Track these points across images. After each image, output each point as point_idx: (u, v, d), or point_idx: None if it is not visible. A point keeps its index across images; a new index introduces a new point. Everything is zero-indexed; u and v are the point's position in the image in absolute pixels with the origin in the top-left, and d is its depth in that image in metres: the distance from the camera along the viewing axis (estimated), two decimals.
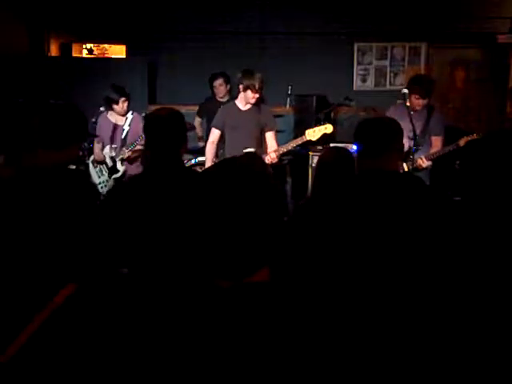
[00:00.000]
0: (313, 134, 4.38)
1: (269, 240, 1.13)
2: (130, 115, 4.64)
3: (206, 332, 1.07)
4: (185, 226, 1.14)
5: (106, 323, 1.47)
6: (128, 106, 4.62)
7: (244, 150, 4.36)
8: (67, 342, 1.57)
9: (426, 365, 1.78)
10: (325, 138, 4.57)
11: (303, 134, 4.43)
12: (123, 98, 4.55)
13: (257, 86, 4.23)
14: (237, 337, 1.06)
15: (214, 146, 4.50)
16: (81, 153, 4.50)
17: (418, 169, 4.01)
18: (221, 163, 1.20)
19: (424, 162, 4.01)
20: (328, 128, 4.37)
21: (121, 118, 4.64)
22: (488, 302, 1.81)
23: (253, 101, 4.31)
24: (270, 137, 4.45)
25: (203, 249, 1.14)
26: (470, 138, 3.84)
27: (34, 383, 1.56)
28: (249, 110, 4.40)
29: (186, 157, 5.17)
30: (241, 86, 4.31)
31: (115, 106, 4.56)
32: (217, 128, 4.48)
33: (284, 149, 4.45)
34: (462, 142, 3.89)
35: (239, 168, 1.16)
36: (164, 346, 1.08)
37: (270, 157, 4.34)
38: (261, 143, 4.50)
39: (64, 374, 1.54)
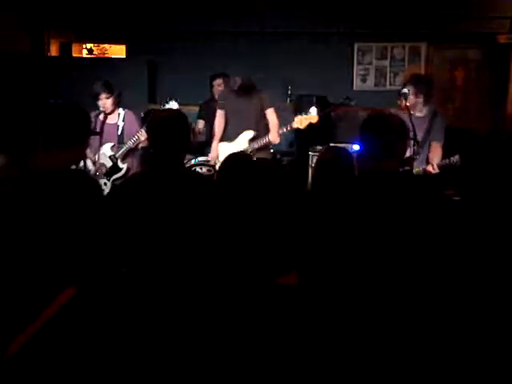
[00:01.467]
0: (299, 122, 4.59)
1: (293, 238, 1.13)
2: (121, 111, 4.49)
3: (215, 332, 1.07)
4: (188, 228, 1.14)
5: (106, 324, 1.47)
6: (114, 104, 4.44)
7: (243, 133, 4.73)
8: (68, 343, 1.57)
9: (426, 364, 1.78)
10: (317, 133, 4.70)
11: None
12: (104, 94, 4.37)
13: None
14: (241, 336, 1.06)
15: (223, 119, 4.86)
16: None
17: (426, 173, 4.01)
18: (234, 163, 1.20)
19: (434, 169, 4.01)
20: (313, 118, 4.58)
21: (112, 116, 4.46)
22: (488, 302, 1.81)
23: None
24: (269, 113, 4.76)
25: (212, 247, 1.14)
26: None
27: (35, 382, 1.56)
28: (245, 94, 4.71)
29: (186, 157, 5.15)
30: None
31: (98, 102, 4.39)
32: (220, 109, 4.89)
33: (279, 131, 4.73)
34: (454, 160, 3.88)
35: (260, 168, 1.16)
36: (164, 346, 1.08)
37: (272, 138, 4.64)
38: (259, 126, 4.78)
39: (65, 372, 1.54)
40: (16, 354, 1.55)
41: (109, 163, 4.42)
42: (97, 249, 1.95)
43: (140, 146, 4.40)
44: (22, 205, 1.87)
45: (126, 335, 1.15)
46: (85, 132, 2.24)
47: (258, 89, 4.79)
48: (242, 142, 4.75)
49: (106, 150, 4.42)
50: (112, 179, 4.41)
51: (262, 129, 4.78)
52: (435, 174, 4.02)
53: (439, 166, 4.00)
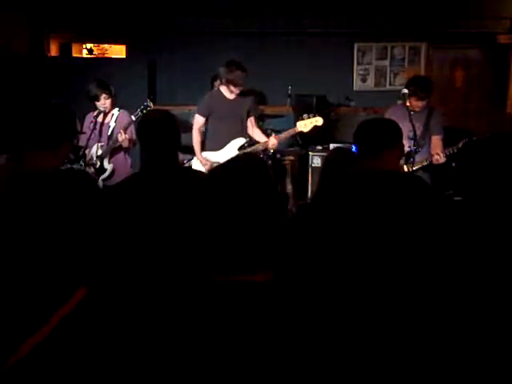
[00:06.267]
0: (304, 125, 4.42)
1: (271, 239, 1.13)
2: (116, 111, 4.43)
3: (207, 331, 1.07)
4: (184, 226, 1.15)
5: (117, 324, 1.47)
6: (112, 104, 4.39)
7: (232, 140, 4.54)
8: (78, 346, 1.57)
9: (426, 364, 1.78)
10: (317, 133, 4.64)
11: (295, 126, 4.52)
12: (104, 94, 4.32)
13: (237, 83, 4.40)
14: (238, 335, 1.06)
15: (200, 132, 4.65)
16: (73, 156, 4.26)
17: (433, 164, 4.02)
18: (225, 164, 1.21)
19: (441, 158, 4.00)
20: (318, 121, 4.42)
21: (106, 115, 4.40)
22: (488, 302, 1.81)
23: (232, 96, 4.51)
24: (253, 121, 4.67)
25: (201, 246, 1.14)
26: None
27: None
28: (235, 98, 4.53)
29: (185, 157, 5.17)
30: (223, 80, 4.50)
31: (96, 103, 4.33)
32: (202, 115, 4.61)
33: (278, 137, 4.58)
34: (461, 145, 3.89)
35: (241, 168, 1.16)
36: (167, 346, 1.08)
37: (271, 142, 4.47)
38: (246, 131, 4.65)
39: (74, 376, 1.54)
40: (27, 355, 1.55)
41: (97, 163, 4.36)
42: (101, 249, 1.95)
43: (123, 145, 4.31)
44: (24, 206, 1.87)
45: (135, 335, 1.14)
46: (70, 130, 2.20)
47: (246, 90, 4.60)
48: (231, 150, 4.52)
49: (97, 150, 4.36)
50: (100, 179, 4.32)
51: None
52: (443, 163, 4.01)
53: (445, 154, 3.99)
